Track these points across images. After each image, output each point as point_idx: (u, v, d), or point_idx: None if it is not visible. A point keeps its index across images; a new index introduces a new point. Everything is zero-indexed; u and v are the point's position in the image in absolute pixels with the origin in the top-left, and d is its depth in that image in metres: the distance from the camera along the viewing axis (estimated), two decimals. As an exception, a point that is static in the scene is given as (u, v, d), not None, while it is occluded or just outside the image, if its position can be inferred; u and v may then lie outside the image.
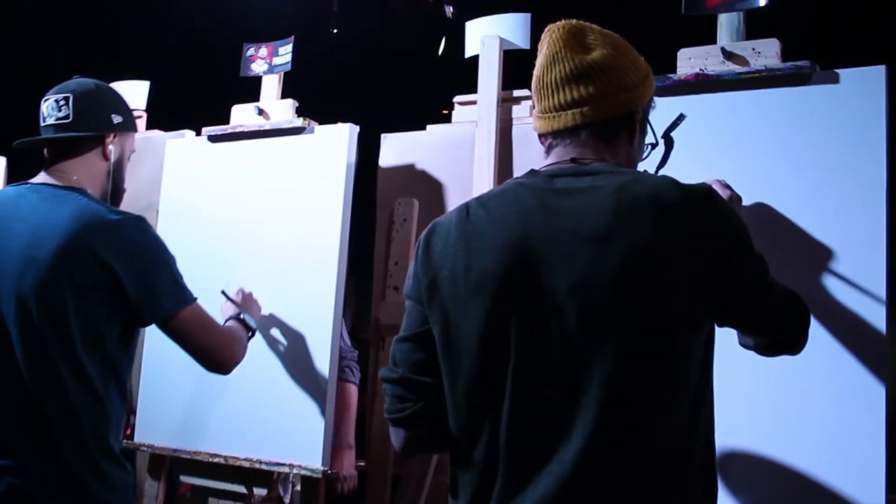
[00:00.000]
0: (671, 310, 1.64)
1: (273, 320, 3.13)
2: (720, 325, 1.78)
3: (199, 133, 3.58)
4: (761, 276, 1.75)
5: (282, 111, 3.35)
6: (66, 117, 2.52)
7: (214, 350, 2.55)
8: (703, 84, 2.63)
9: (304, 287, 3.10)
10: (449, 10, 6.57)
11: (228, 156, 3.42)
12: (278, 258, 3.18)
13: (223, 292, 3.00)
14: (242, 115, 3.43)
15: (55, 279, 2.34)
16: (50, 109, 2.55)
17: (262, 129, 3.32)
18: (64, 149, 2.55)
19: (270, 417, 3.10)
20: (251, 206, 3.30)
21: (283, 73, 3.43)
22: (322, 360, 3.02)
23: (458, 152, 3.17)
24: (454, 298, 1.73)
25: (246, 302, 3.02)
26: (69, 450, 2.35)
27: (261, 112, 3.37)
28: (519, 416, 1.67)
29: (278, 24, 6.02)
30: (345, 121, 3.19)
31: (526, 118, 3.09)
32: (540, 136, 1.89)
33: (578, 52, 1.79)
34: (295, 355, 3.08)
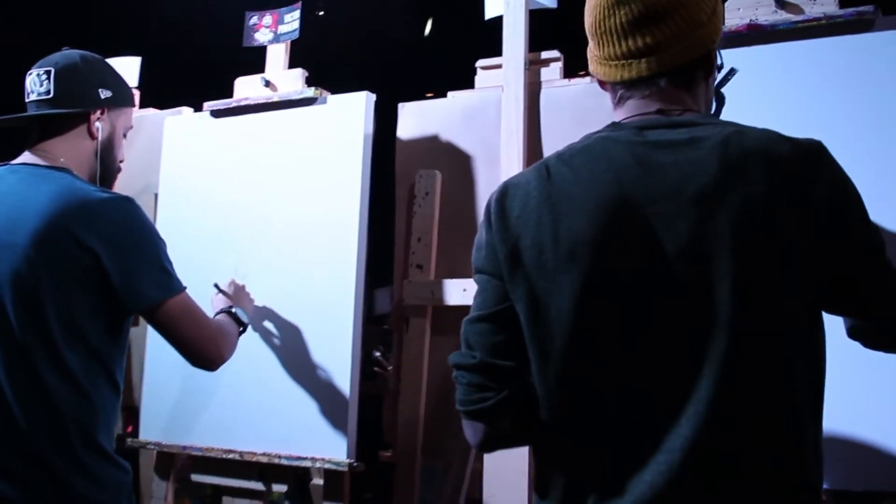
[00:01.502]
0: (788, 277, 1.48)
1: (289, 305, 2.98)
2: (829, 308, 1.60)
3: (197, 109, 3.43)
4: (880, 247, 1.58)
5: (290, 82, 3.20)
6: (48, 93, 2.38)
7: (200, 344, 2.37)
8: (755, 35, 2.52)
9: (323, 269, 2.95)
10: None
11: (233, 131, 3.26)
12: (293, 239, 3.03)
13: (215, 285, 2.85)
14: (247, 88, 3.28)
15: (31, 266, 2.18)
16: (33, 84, 2.40)
17: (270, 101, 3.16)
18: (47, 127, 2.40)
19: (289, 409, 2.95)
20: (260, 183, 3.14)
21: (289, 42, 3.28)
22: (344, 346, 2.87)
23: (483, 119, 3.03)
24: (541, 270, 1.55)
25: (238, 295, 2.87)
26: (54, 451, 2.19)
27: (267, 84, 3.22)
28: (621, 401, 1.50)
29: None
30: (353, 90, 3.05)
31: (556, 81, 2.96)
32: (604, 83, 1.72)
33: None
34: (314, 342, 2.93)
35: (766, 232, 1.47)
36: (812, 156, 1.54)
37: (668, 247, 1.48)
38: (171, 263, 2.34)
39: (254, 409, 3.02)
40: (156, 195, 3.38)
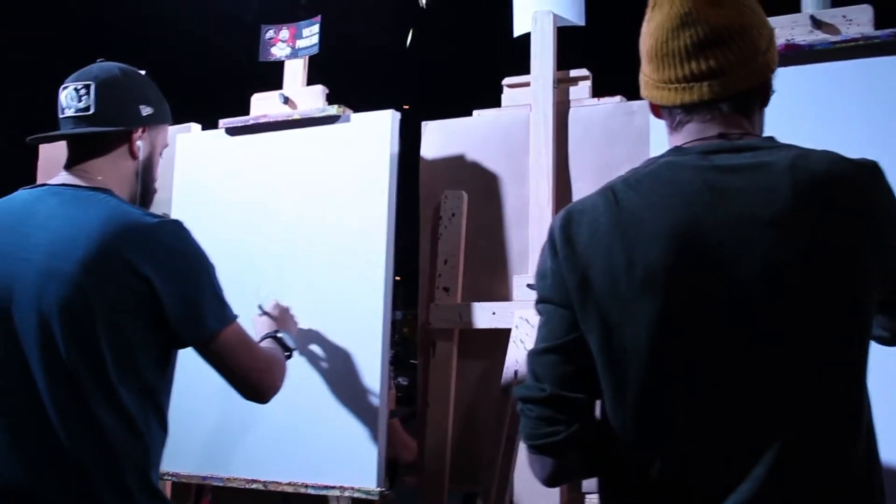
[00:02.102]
0: (861, 298, 1.49)
1: (314, 328, 2.95)
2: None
3: (207, 126, 3.39)
4: None
5: (310, 99, 3.16)
6: (87, 109, 2.26)
7: (257, 376, 2.30)
8: (792, 56, 2.51)
9: (349, 292, 2.92)
10: (422, 1, 6.44)
11: (251, 150, 3.22)
12: (317, 261, 2.99)
13: (260, 307, 2.79)
14: (264, 105, 3.24)
15: (82, 295, 2.08)
16: (69, 99, 2.28)
17: (290, 118, 3.13)
18: (85, 145, 2.30)
19: (315, 436, 2.91)
20: (280, 203, 3.10)
21: (307, 58, 3.25)
22: (372, 370, 2.85)
23: (510, 138, 3.01)
24: (614, 298, 1.53)
25: (283, 317, 2.79)
26: (109, 494, 2.10)
27: (286, 100, 3.19)
28: (698, 432, 1.49)
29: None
30: (369, 109, 3.04)
31: (585, 100, 2.94)
32: (659, 107, 1.70)
33: (712, 11, 1.61)
34: (341, 366, 2.89)
35: (841, 253, 1.48)
36: (874, 175, 1.55)
37: (744, 272, 1.48)
38: (223, 290, 2.26)
39: (278, 437, 2.97)
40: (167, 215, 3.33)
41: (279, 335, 2.64)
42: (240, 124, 3.23)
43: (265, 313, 2.77)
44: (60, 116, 2.31)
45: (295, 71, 3.25)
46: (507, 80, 3.09)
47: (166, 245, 2.15)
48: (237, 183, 3.21)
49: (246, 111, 3.30)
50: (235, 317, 2.26)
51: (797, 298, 1.47)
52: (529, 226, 2.88)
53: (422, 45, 6.23)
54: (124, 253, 2.09)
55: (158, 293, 2.10)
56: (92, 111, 2.26)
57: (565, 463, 1.62)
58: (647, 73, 1.70)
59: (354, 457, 2.84)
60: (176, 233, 2.19)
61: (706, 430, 1.49)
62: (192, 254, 2.20)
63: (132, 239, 2.11)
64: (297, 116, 3.12)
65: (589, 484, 2.59)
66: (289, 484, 2.91)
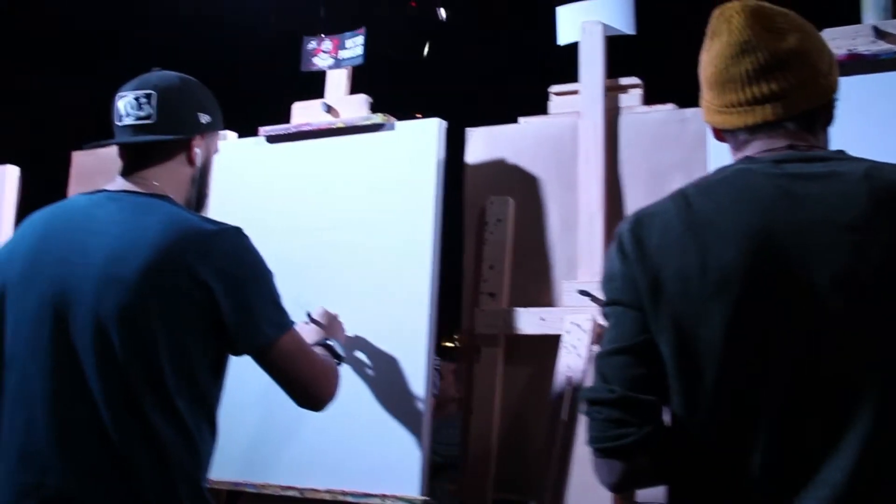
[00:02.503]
0: None
1: (357, 336, 2.93)
2: None
3: (243, 134, 3.38)
4: None
5: (353, 107, 3.16)
6: (149, 117, 2.26)
7: (314, 383, 2.30)
8: (854, 65, 2.53)
9: (393, 299, 2.90)
10: (441, 12, 6.47)
11: (291, 158, 3.21)
12: (360, 267, 2.97)
13: (308, 314, 2.76)
14: (306, 113, 3.24)
15: (142, 301, 2.07)
16: (129, 107, 2.28)
17: (334, 126, 3.12)
18: (144, 153, 2.30)
19: (355, 442, 2.87)
20: (323, 211, 3.09)
21: (351, 68, 3.25)
22: (415, 376, 2.82)
23: (558, 145, 3.01)
24: (687, 300, 1.55)
25: (332, 325, 2.77)
26: (160, 502, 2.09)
27: (329, 109, 3.19)
28: (776, 433, 1.49)
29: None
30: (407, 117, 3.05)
31: (636, 107, 2.95)
32: (723, 131, 1.75)
33: (770, 38, 1.66)
34: (384, 373, 2.87)
35: None
36: None
37: (820, 276, 1.49)
38: (280, 297, 2.26)
39: (316, 443, 2.93)
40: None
41: (329, 343, 2.62)
42: (281, 132, 3.22)
43: (313, 321, 2.73)
44: (118, 124, 2.31)
45: (337, 80, 3.25)
46: (554, 88, 3.09)
47: (226, 252, 2.15)
48: (277, 191, 3.20)
49: (279, 120, 3.30)
50: (293, 324, 2.26)
51: (872, 299, 1.48)
52: (578, 232, 2.88)
53: (453, 55, 6.24)
54: (184, 260, 2.09)
55: (217, 300, 2.11)
56: (153, 119, 2.27)
57: (634, 467, 1.61)
58: (708, 100, 1.75)
59: (396, 463, 2.79)
60: (236, 239, 2.20)
61: (781, 428, 1.49)
62: (251, 261, 2.21)
63: (192, 246, 2.11)
64: (340, 124, 3.12)
65: (645, 494, 2.56)
66: (327, 491, 2.85)
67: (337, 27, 3.36)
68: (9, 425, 2.17)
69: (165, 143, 2.29)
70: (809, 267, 1.50)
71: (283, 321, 2.23)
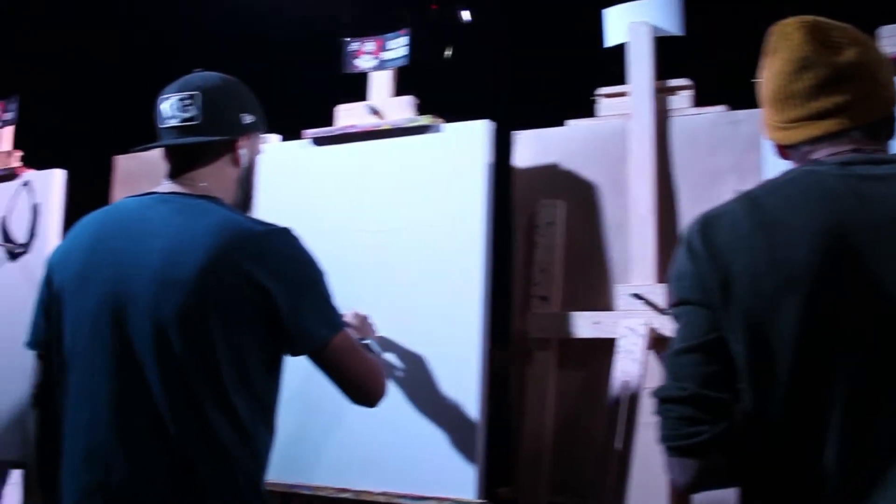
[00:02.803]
0: None
1: (408, 336, 2.95)
2: None
3: (287, 137, 3.40)
4: None
5: (399, 109, 3.17)
6: (194, 118, 2.27)
7: (367, 380, 2.33)
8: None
9: (444, 302, 2.92)
10: (463, 14, 6.44)
11: (337, 160, 3.22)
12: (410, 271, 2.99)
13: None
14: (351, 116, 3.25)
15: (200, 304, 2.09)
16: (173, 109, 2.28)
17: (379, 128, 3.14)
18: (190, 154, 2.31)
19: (410, 444, 2.89)
20: (371, 214, 3.11)
21: (395, 69, 3.26)
22: (469, 377, 2.83)
23: (608, 148, 3.02)
24: (757, 297, 1.57)
25: (363, 326, 2.81)
26: (221, 501, 2.12)
27: (374, 111, 3.20)
28: (851, 429, 1.51)
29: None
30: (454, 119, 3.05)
31: (686, 109, 2.96)
32: (784, 149, 1.78)
33: (829, 52, 1.68)
34: (438, 375, 2.89)
35: None
36: None
37: (890, 273, 1.51)
38: (333, 296, 2.28)
39: (370, 444, 2.95)
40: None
41: (367, 342, 2.66)
42: (326, 134, 3.23)
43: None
44: (162, 126, 2.31)
45: (381, 82, 3.26)
46: (601, 90, 3.10)
47: (279, 253, 2.17)
48: (323, 193, 3.21)
49: (321, 123, 3.32)
50: (345, 323, 2.29)
51: None
52: (630, 236, 2.90)
53: (495, 57, 6.22)
54: (239, 262, 2.10)
55: (274, 301, 2.12)
56: (198, 121, 2.27)
57: (708, 465, 1.62)
58: (769, 117, 1.77)
59: (451, 466, 2.82)
60: (287, 240, 2.22)
61: (856, 426, 1.51)
62: (304, 261, 2.23)
63: (246, 248, 2.12)
64: (386, 126, 3.13)
65: (700, 499, 2.58)
66: (382, 494, 2.88)
67: (371, 29, 3.36)
68: (73, 423, 2.21)
69: (211, 144, 2.30)
70: (880, 264, 1.52)
71: (337, 320, 2.25)
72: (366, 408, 2.37)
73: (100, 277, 2.19)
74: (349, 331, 2.57)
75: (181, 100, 2.28)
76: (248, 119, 2.36)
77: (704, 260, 1.63)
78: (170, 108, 2.29)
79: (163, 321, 2.09)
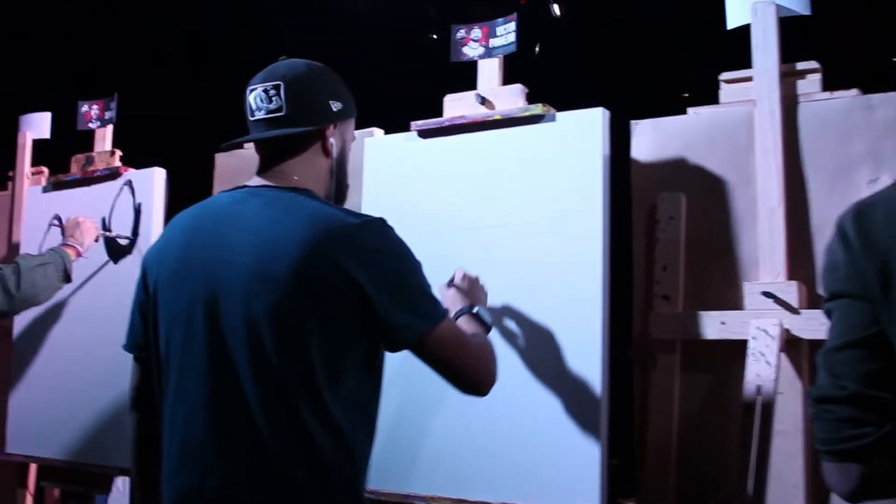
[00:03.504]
0: None
1: (523, 340, 2.85)
2: None
3: (390, 130, 3.32)
4: None
5: (509, 98, 3.06)
6: (280, 109, 2.22)
7: (474, 370, 2.25)
8: None
9: (562, 302, 2.81)
10: (555, 8, 6.31)
11: (445, 153, 3.13)
12: (524, 269, 2.88)
13: (452, 279, 2.69)
14: (458, 106, 3.15)
15: (294, 300, 2.04)
16: (259, 101, 2.24)
17: (490, 118, 3.03)
18: (279, 147, 2.27)
19: (528, 451, 2.80)
20: (482, 210, 3.01)
21: (503, 56, 3.15)
22: (590, 381, 2.73)
23: (732, 137, 2.88)
24: None
25: (473, 289, 2.68)
26: None
27: (483, 101, 3.10)
28: None
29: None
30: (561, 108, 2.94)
31: (815, 94, 2.80)
32: None
33: None
34: (556, 378, 2.78)
35: None
36: None
37: None
38: (430, 286, 2.21)
39: (486, 451, 2.87)
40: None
41: (475, 311, 2.54)
42: (434, 126, 3.14)
43: (454, 286, 2.66)
44: (251, 119, 2.28)
45: (490, 70, 3.15)
46: (724, 76, 2.96)
47: (374, 246, 2.11)
48: (431, 188, 3.12)
49: (421, 115, 3.22)
50: (446, 311, 2.21)
51: None
52: (758, 229, 2.76)
53: (608, 43, 6.09)
54: (333, 256, 2.04)
55: (370, 296, 2.06)
56: (284, 112, 2.22)
57: (873, 471, 1.53)
58: None
59: (572, 475, 2.72)
60: (382, 232, 2.15)
61: None
62: (400, 253, 2.16)
63: (340, 241, 2.07)
64: (497, 116, 3.02)
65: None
66: (499, 504, 2.80)
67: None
68: (170, 422, 2.19)
69: (299, 135, 2.25)
70: None
71: (436, 311, 2.17)
72: (476, 397, 2.30)
73: (193, 275, 2.16)
74: (455, 297, 2.55)
75: (266, 91, 2.24)
76: (336, 106, 2.29)
77: (860, 249, 1.55)
78: (256, 100, 2.25)
79: (255, 318, 2.05)
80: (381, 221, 2.17)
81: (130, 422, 2.43)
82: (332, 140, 2.30)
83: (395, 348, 2.18)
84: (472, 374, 2.25)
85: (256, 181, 2.27)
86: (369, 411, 2.21)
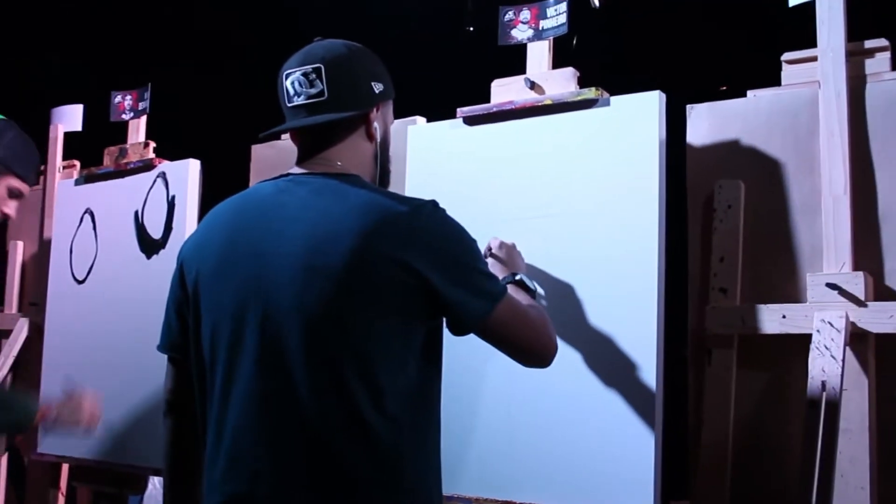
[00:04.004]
0: None
1: (574, 336, 2.74)
2: None
3: (431, 118, 3.22)
4: None
5: (559, 82, 2.96)
6: (321, 94, 2.12)
7: (537, 342, 2.19)
8: None
9: (615, 296, 2.70)
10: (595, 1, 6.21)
11: (491, 140, 3.02)
12: (575, 261, 2.78)
13: (489, 248, 2.62)
14: (506, 91, 3.05)
15: (349, 292, 1.96)
16: (298, 85, 2.14)
17: (540, 103, 2.92)
18: (321, 133, 2.17)
19: (579, 452, 2.69)
20: (532, 197, 2.90)
21: (552, 39, 3.05)
22: (644, 380, 2.62)
23: (794, 121, 2.76)
24: None
25: (511, 256, 2.61)
26: None
27: (532, 85, 2.99)
28: None
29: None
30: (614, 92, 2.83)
31: (884, 74, 2.68)
32: None
33: None
34: (609, 376, 2.67)
35: None
36: None
37: None
38: (487, 263, 2.17)
39: (534, 452, 2.77)
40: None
41: (519, 278, 2.47)
42: (482, 112, 3.03)
43: (493, 255, 2.59)
44: (289, 105, 2.18)
45: (540, 54, 3.05)
46: (786, 56, 2.84)
47: (429, 230, 2.03)
48: (478, 177, 3.01)
49: (462, 101, 3.12)
50: (505, 288, 2.14)
51: None
52: (822, 218, 2.64)
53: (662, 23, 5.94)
54: (388, 246, 1.97)
55: (430, 282, 1.98)
56: (326, 96, 2.13)
57: None
58: None
59: (624, 476, 2.61)
60: (435, 215, 2.08)
61: None
62: (455, 234, 2.09)
63: (393, 229, 1.99)
64: (548, 101, 2.91)
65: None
66: (547, 508, 2.69)
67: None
68: (215, 429, 2.09)
69: (343, 120, 2.16)
70: None
71: (497, 289, 2.10)
72: (540, 368, 2.25)
73: (238, 270, 2.07)
74: (496, 266, 2.49)
75: (305, 74, 2.14)
76: (378, 88, 2.21)
77: None
78: (294, 84, 2.16)
79: (310, 314, 1.96)
80: (433, 204, 2.09)
81: (164, 428, 2.34)
82: (375, 124, 2.22)
83: (460, 331, 2.10)
84: (536, 347, 2.19)
85: (299, 169, 2.18)
86: (433, 405, 2.14)
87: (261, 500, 2.00)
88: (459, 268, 2.04)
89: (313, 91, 2.13)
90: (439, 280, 1.99)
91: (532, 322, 2.19)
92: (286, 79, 2.18)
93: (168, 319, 2.28)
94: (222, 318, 2.09)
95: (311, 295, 1.97)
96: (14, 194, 3.06)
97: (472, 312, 2.05)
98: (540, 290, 2.67)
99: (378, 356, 1.97)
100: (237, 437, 2.04)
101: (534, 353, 2.20)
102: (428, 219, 2.05)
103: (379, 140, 2.24)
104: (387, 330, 1.99)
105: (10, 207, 3.07)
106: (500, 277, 2.43)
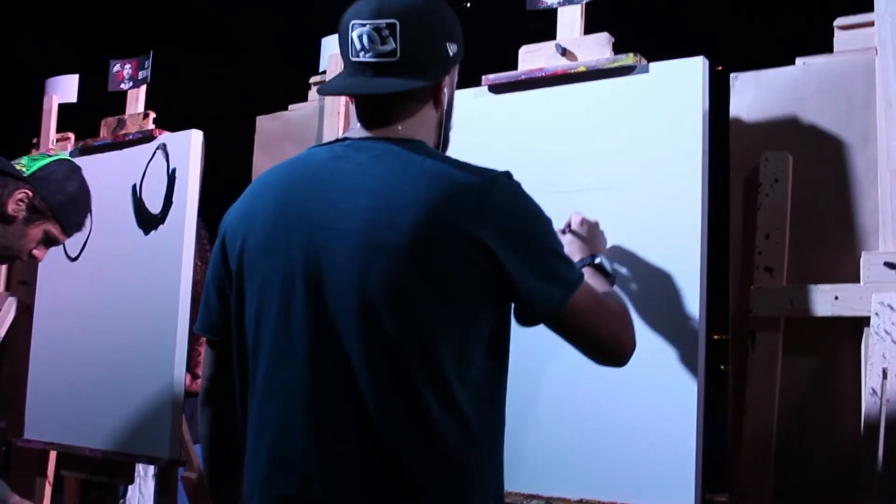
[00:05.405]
0: None
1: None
2: None
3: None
4: None
5: (593, 48, 2.82)
6: (392, 54, 1.93)
7: (614, 337, 2.03)
8: None
9: (655, 276, 2.58)
10: None
11: (520, 110, 2.88)
12: (610, 240, 2.62)
13: (568, 225, 2.46)
14: (535, 58, 2.90)
15: (415, 272, 1.82)
16: (365, 40, 1.94)
17: (573, 71, 2.78)
18: (386, 96, 1.99)
19: (613, 445, 2.57)
20: (563, 172, 2.75)
21: (584, 3, 2.91)
22: (685, 369, 2.51)
23: (847, 90, 2.62)
24: None
25: (592, 235, 2.44)
26: None
27: (564, 52, 2.84)
28: None
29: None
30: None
31: (944, 40, 2.55)
32: None
33: None
34: (648, 364, 2.50)
35: None
36: None
37: None
38: (563, 246, 2.00)
39: (565, 444, 2.65)
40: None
41: (598, 261, 2.31)
42: (510, 80, 2.89)
43: (572, 231, 2.43)
44: (352, 59, 1.98)
45: (571, 18, 2.91)
46: (839, 21, 2.71)
47: (503, 206, 1.88)
48: (504, 147, 2.86)
49: (490, 68, 2.97)
50: (582, 274, 1.98)
51: None
52: (879, 193, 2.50)
53: None
54: (460, 222, 1.82)
55: (499, 263, 1.83)
56: (398, 57, 1.94)
57: None
58: None
59: (663, 470, 2.49)
60: (510, 189, 1.92)
61: None
62: (531, 211, 1.94)
63: (466, 205, 1.84)
64: (582, 68, 2.76)
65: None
66: (579, 501, 2.58)
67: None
68: (258, 423, 1.94)
69: (413, 90, 1.99)
70: None
71: (574, 275, 1.95)
72: (615, 367, 2.10)
73: (289, 246, 1.91)
74: (575, 245, 2.35)
75: (377, 29, 1.94)
76: (452, 49, 2.04)
77: None
78: (363, 39, 1.95)
79: (371, 295, 1.82)
80: (507, 176, 1.94)
81: (203, 417, 2.18)
82: (445, 89, 2.06)
83: (529, 321, 1.95)
84: (612, 342, 2.04)
85: (357, 132, 2.02)
86: (499, 400, 1.99)
87: (314, 501, 1.86)
88: (534, 249, 1.90)
89: (384, 49, 1.94)
90: (511, 262, 1.84)
91: (610, 314, 2.04)
92: (352, 30, 1.96)
93: (207, 298, 2.11)
94: (268, 298, 1.93)
95: (373, 275, 1.82)
96: (50, 241, 3.00)
97: (545, 300, 1.90)
98: (623, 272, 2.54)
99: (444, 345, 1.83)
100: (284, 435, 1.90)
101: (609, 350, 2.04)
102: (502, 192, 1.90)
103: (445, 107, 2.09)
104: (454, 316, 1.84)
105: (41, 251, 3.01)
106: (578, 258, 2.29)
